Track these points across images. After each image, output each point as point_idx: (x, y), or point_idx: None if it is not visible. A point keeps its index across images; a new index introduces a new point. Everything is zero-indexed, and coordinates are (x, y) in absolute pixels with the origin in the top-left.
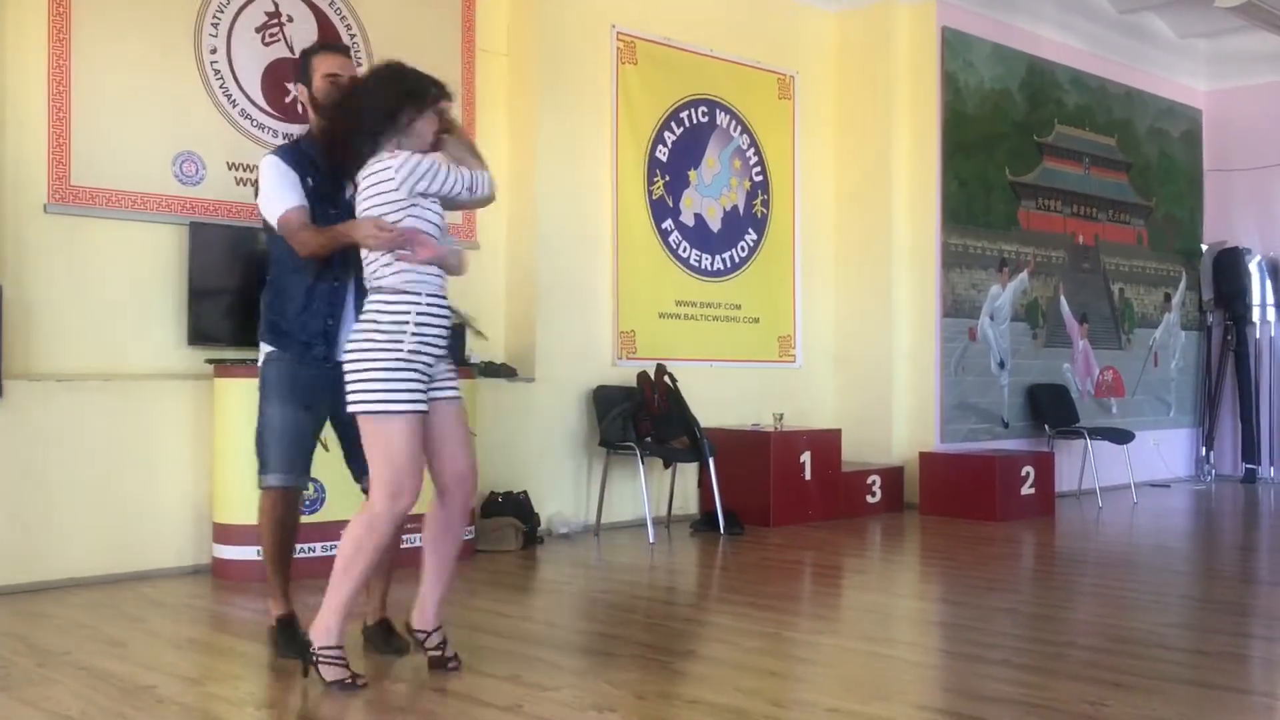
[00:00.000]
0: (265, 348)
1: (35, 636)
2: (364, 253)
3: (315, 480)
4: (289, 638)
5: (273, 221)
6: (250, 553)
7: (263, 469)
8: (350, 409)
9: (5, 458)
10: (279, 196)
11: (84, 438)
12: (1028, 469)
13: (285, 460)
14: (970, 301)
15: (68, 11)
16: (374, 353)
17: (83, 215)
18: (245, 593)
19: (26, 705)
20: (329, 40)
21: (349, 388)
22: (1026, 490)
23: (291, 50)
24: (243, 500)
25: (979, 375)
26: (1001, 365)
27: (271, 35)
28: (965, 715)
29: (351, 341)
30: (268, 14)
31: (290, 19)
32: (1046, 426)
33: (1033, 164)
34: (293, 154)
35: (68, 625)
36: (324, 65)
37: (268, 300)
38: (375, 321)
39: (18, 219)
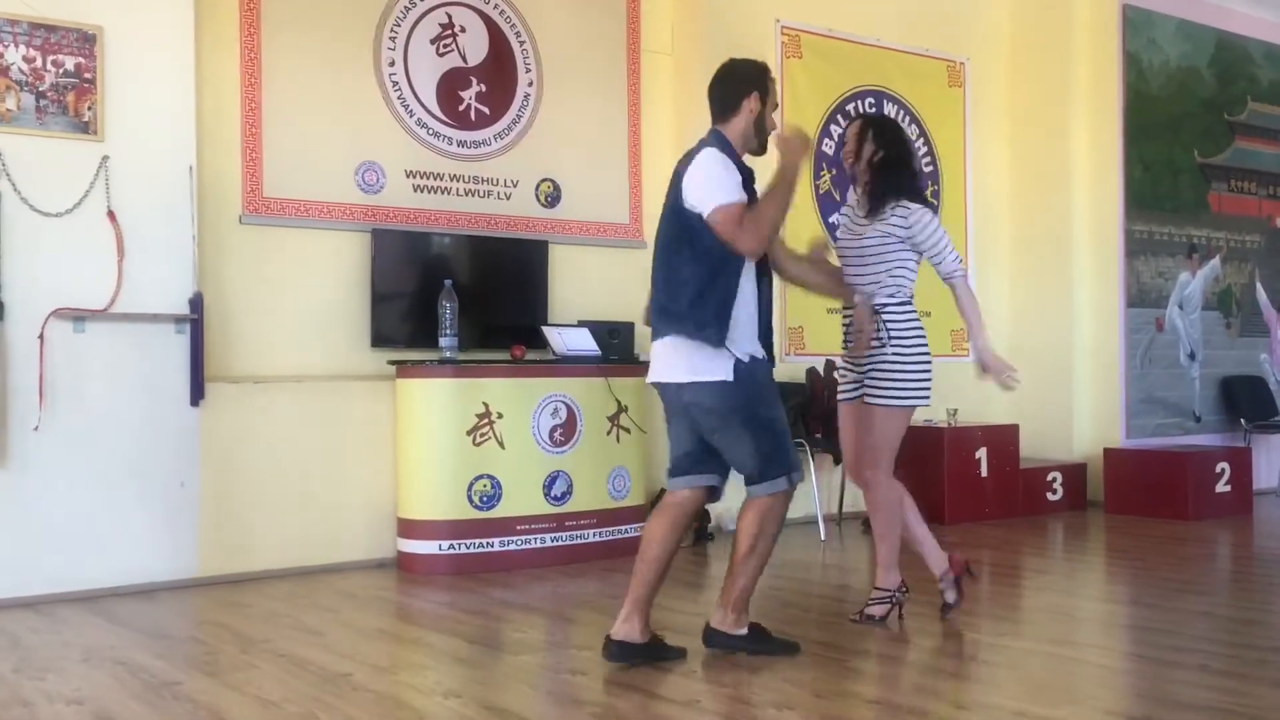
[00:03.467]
0: (727, 354)
1: (238, 625)
2: (884, 280)
3: (493, 477)
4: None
5: (712, 208)
6: (433, 547)
7: (794, 469)
8: (901, 402)
9: (208, 456)
10: (731, 187)
11: (277, 436)
12: (1223, 465)
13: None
14: (1157, 290)
15: (257, 35)
16: (921, 357)
17: (274, 225)
18: (429, 585)
19: (232, 690)
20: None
21: (900, 384)
22: (1221, 488)
23: (464, 59)
24: (425, 496)
25: (1167, 367)
26: (1192, 357)
27: (445, 46)
28: None
29: (905, 344)
30: (441, 25)
31: (463, 29)
32: (1243, 420)
33: (1223, 144)
34: (734, 156)
35: (267, 614)
36: (775, 99)
37: (712, 303)
38: (920, 329)
39: (216, 231)
